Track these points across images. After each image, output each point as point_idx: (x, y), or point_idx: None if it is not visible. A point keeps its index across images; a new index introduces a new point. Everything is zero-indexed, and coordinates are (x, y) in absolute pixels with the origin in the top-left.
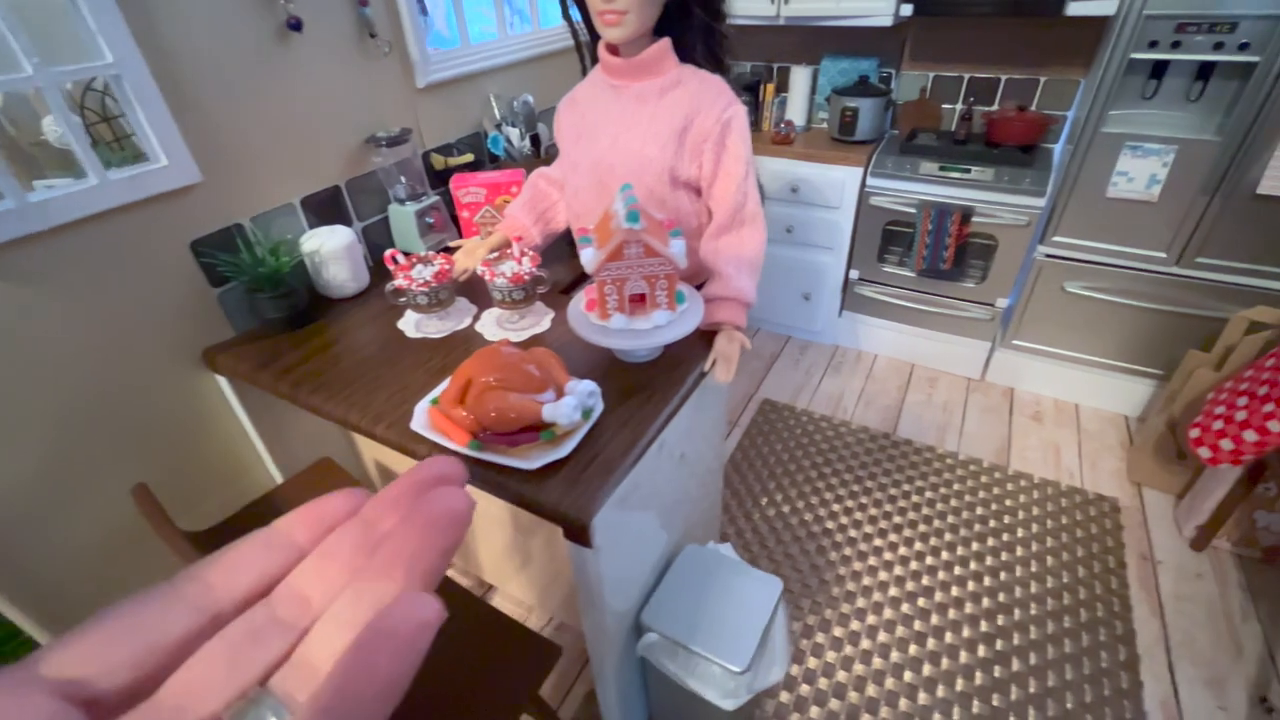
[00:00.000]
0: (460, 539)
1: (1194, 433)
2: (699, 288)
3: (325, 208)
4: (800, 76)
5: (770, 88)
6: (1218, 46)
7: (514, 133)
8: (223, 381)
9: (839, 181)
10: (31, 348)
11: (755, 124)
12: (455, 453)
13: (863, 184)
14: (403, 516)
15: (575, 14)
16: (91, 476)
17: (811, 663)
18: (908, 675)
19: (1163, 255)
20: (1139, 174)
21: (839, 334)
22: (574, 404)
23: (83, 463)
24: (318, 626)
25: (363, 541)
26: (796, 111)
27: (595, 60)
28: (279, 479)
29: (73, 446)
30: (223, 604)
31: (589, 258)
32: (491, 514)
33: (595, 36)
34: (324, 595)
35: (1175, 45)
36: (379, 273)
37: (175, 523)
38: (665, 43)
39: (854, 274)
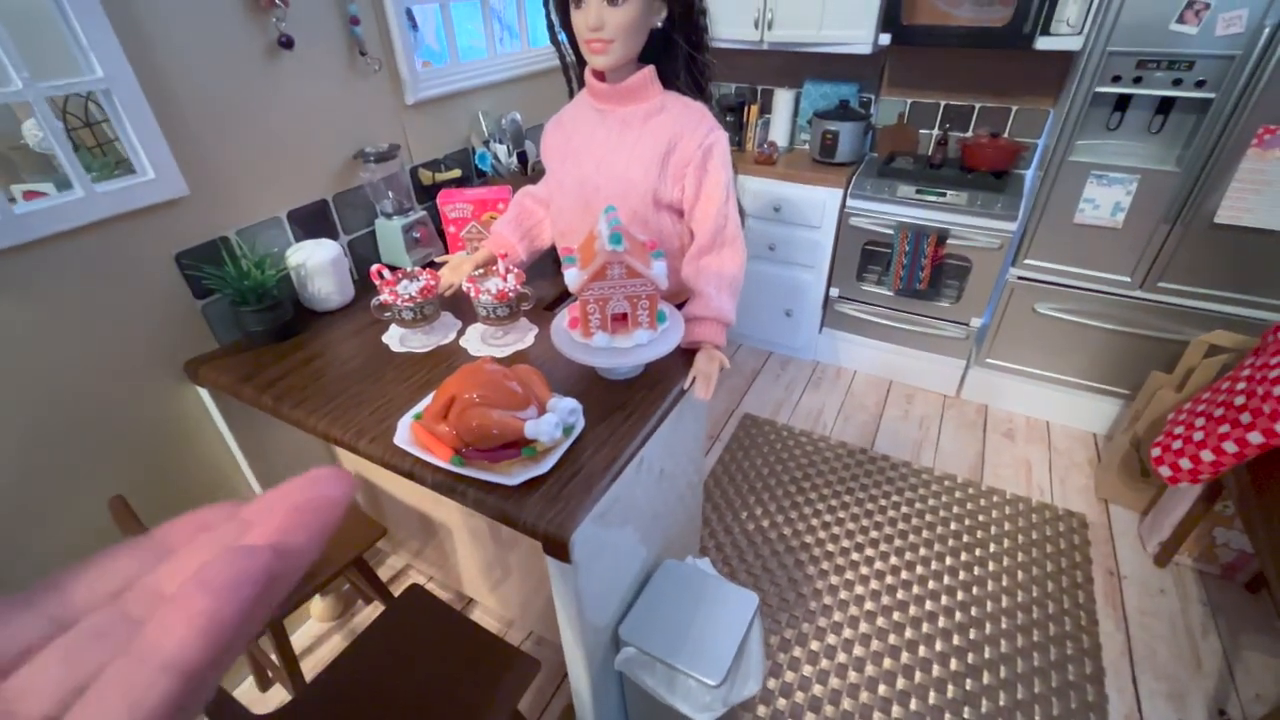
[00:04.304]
0: (333, 521)
1: (1156, 452)
2: (680, 306)
3: (312, 221)
4: (783, 99)
5: (754, 109)
6: (1176, 83)
7: (501, 149)
8: (204, 394)
9: (820, 202)
10: (9, 357)
11: (739, 144)
12: (438, 468)
13: (843, 205)
14: (273, 507)
15: (563, 37)
16: (69, 487)
17: (789, 676)
18: (882, 689)
19: (1127, 280)
20: (1104, 201)
21: (819, 350)
22: (555, 421)
23: (60, 473)
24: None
25: (234, 538)
26: (779, 133)
27: (582, 83)
28: (259, 492)
29: (50, 457)
30: (80, 612)
31: (573, 278)
32: (471, 528)
33: (582, 61)
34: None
35: (1137, 80)
36: (364, 286)
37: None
38: (649, 70)
39: (834, 292)
